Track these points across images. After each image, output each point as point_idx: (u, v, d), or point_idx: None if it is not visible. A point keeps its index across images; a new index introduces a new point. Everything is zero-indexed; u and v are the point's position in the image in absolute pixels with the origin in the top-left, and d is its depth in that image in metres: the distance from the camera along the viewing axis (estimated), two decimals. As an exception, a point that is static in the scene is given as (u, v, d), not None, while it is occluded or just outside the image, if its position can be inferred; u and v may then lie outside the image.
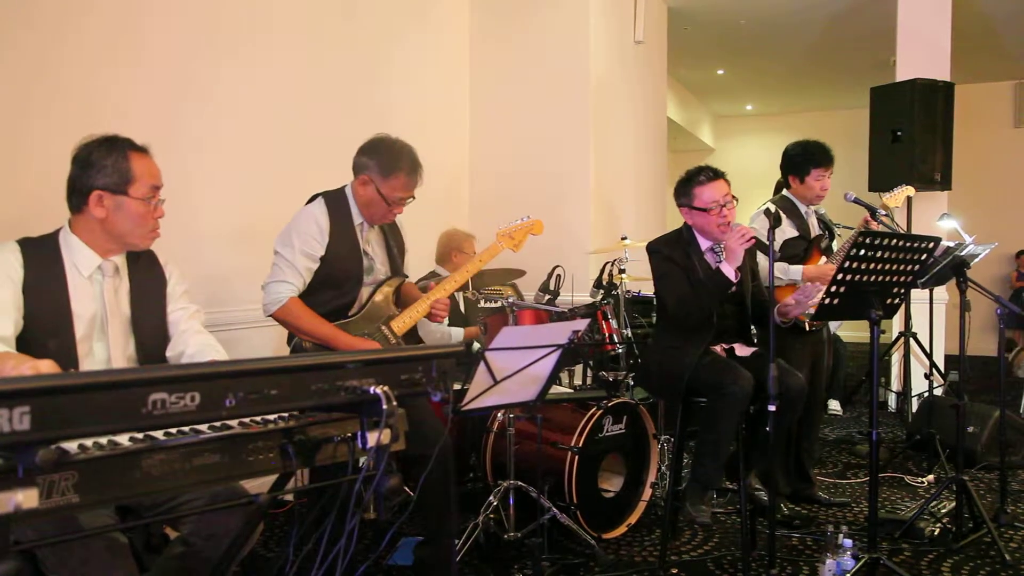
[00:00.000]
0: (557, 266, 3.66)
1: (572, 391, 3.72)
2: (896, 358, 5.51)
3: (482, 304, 3.88)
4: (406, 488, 2.29)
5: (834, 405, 5.74)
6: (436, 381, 1.48)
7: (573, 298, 3.94)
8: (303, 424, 1.36)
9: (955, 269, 3.29)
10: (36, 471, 1.02)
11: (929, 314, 5.20)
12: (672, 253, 3.00)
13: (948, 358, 5.46)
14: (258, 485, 1.64)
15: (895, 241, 2.54)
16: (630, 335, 4.02)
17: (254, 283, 2.65)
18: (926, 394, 4.87)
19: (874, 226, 3.35)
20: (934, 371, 4.91)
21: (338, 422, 1.40)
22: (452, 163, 5.31)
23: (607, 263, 4.12)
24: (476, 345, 3.71)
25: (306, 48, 3.98)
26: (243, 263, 3.32)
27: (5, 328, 1.78)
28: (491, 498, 2.96)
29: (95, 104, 2.92)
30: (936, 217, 4.47)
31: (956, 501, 3.17)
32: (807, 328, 3.45)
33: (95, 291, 1.94)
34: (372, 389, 1.34)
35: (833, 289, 2.56)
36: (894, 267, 2.59)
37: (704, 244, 3.04)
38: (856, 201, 3.41)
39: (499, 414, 3.28)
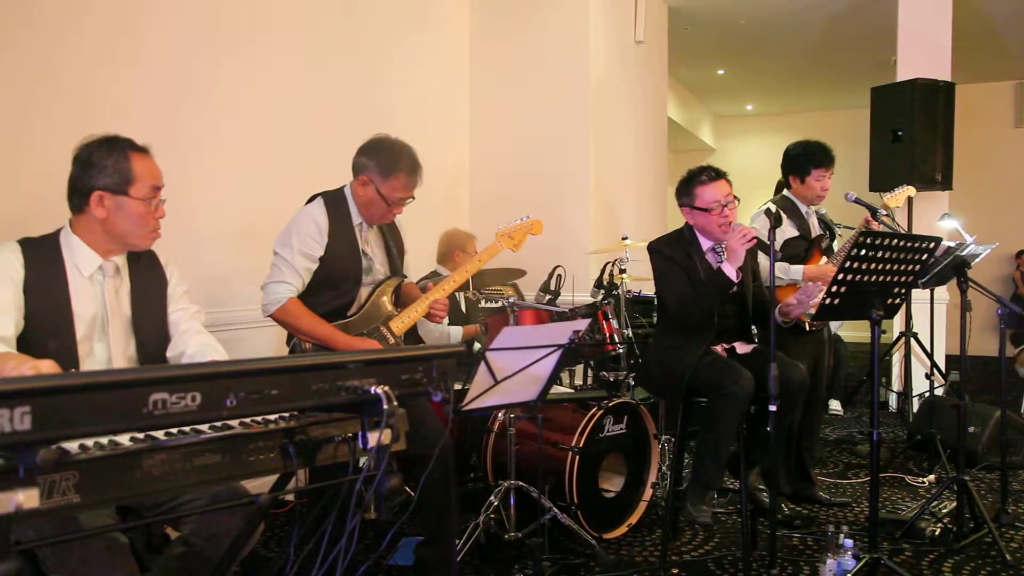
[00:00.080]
0: (558, 266, 3.66)
1: (573, 391, 3.72)
2: (897, 358, 5.51)
3: (483, 304, 3.88)
4: (407, 488, 2.28)
5: (835, 405, 5.74)
6: (437, 381, 1.48)
7: (574, 298, 3.94)
8: (304, 424, 1.36)
9: (956, 269, 3.29)
10: (37, 471, 1.02)
11: (930, 314, 5.19)
12: (673, 253, 3.00)
13: (949, 358, 5.45)
14: (259, 485, 1.64)
15: (896, 241, 2.54)
16: (631, 335, 4.02)
17: (254, 283, 2.65)
18: (927, 394, 4.87)
19: (875, 226, 3.35)
20: (935, 371, 4.91)
21: (339, 422, 1.40)
22: (452, 163, 5.31)
23: (607, 263, 4.12)
24: (477, 345, 3.71)
25: (306, 48, 3.98)
26: (243, 263, 3.32)
27: (6, 328, 1.78)
28: (492, 498, 2.95)
29: (95, 104, 2.92)
30: (937, 217, 4.47)
31: (957, 501, 3.17)
32: (808, 328, 3.45)
33: (96, 291, 1.94)
34: (373, 389, 1.34)
35: (834, 289, 2.55)
36: (895, 267, 2.59)
37: (705, 244, 3.04)
38: (857, 201, 3.41)
39: (500, 414, 3.28)
